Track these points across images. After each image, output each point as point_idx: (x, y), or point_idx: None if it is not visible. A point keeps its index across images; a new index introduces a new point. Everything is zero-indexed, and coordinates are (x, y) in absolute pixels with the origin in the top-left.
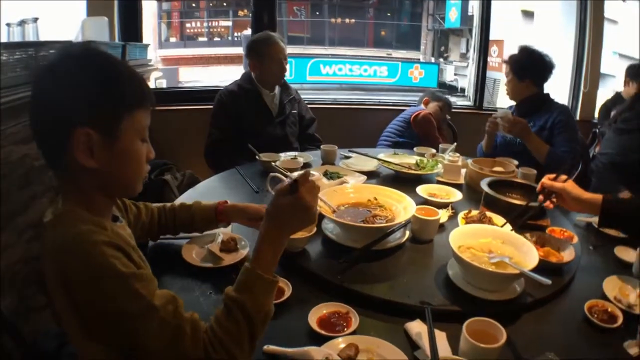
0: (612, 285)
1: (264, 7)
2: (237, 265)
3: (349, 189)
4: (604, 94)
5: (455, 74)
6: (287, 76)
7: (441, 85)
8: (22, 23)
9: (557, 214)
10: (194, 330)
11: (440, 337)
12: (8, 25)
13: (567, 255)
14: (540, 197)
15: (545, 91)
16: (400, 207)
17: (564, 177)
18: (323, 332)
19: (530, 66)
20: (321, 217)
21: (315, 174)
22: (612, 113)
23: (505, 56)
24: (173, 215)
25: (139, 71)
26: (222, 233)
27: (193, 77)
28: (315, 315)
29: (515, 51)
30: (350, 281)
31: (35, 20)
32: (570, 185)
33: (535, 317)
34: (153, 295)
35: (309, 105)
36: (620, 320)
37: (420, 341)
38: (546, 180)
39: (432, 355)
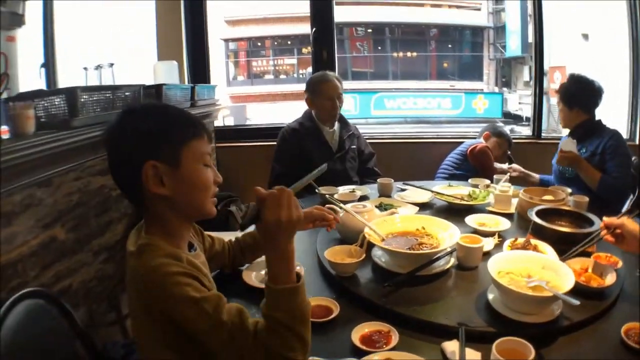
0: None
1: (323, 45)
2: None
3: (397, 219)
4: None
5: (519, 103)
6: (353, 112)
7: (506, 115)
8: (98, 67)
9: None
10: (255, 339)
11: (474, 356)
12: (85, 69)
13: (609, 280)
14: (604, 232)
15: (598, 117)
16: (446, 235)
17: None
18: (364, 347)
19: (578, 94)
20: (371, 245)
21: (368, 205)
22: None
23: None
24: (238, 243)
25: (207, 110)
26: None
27: (260, 114)
28: (358, 333)
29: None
30: (394, 303)
31: (111, 65)
32: (629, 221)
33: (571, 340)
34: (221, 312)
35: (371, 140)
36: None
37: (453, 359)
38: (607, 218)
39: None
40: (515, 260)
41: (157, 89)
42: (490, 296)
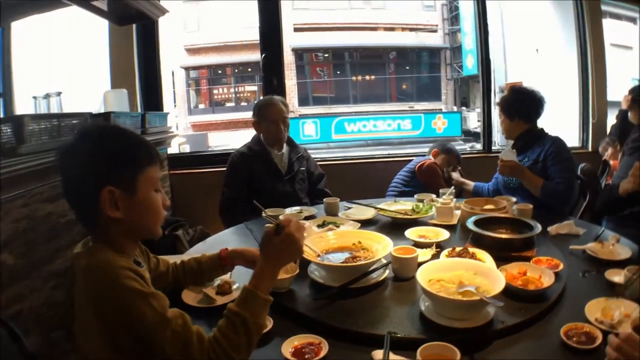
0: (595, 307)
1: (273, 72)
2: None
3: (332, 235)
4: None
5: (478, 120)
6: (314, 136)
7: (466, 133)
8: (47, 96)
9: (550, 244)
10: (200, 341)
11: None
12: (35, 98)
13: (547, 282)
14: None
15: (541, 125)
16: (380, 247)
17: None
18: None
19: (518, 105)
20: (308, 262)
21: (306, 223)
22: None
23: None
24: (182, 266)
25: (158, 138)
26: (220, 279)
27: (222, 142)
28: (289, 346)
29: (506, 93)
30: (327, 316)
31: (59, 94)
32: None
33: (507, 344)
34: (166, 311)
35: (321, 163)
36: (599, 341)
37: None
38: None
39: None
40: (447, 268)
41: (106, 116)
42: (423, 305)
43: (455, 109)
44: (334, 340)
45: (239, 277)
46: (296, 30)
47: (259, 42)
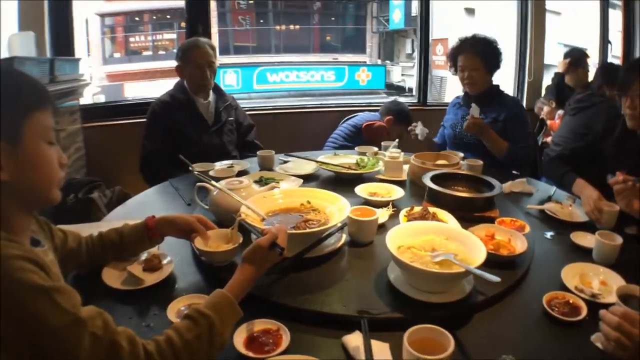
0: (571, 274)
1: (198, 17)
2: (161, 285)
3: (278, 194)
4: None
5: (402, 75)
6: (235, 86)
7: (389, 87)
8: None
9: (507, 203)
10: (132, 344)
11: (382, 349)
12: None
13: (519, 246)
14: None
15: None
16: (335, 208)
17: None
18: (250, 354)
19: (497, 59)
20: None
21: (245, 180)
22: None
23: None
24: (100, 238)
25: (69, 86)
26: (147, 252)
27: (139, 93)
28: (241, 336)
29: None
30: (281, 294)
31: None
32: None
33: (488, 316)
34: (78, 309)
35: (251, 113)
36: (584, 312)
37: (358, 356)
38: None
39: None
40: (416, 232)
41: (8, 62)
42: (392, 276)
43: (379, 62)
44: (293, 323)
45: (170, 247)
46: None
47: None
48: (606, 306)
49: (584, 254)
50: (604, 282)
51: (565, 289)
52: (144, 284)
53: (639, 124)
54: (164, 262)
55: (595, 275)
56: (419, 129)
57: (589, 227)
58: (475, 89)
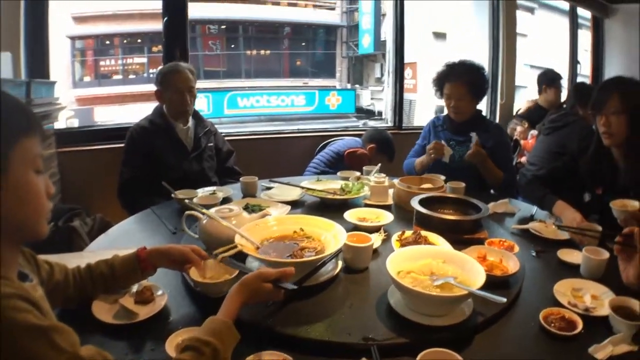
0: (563, 290)
1: (176, 41)
2: (156, 318)
3: (271, 222)
4: (518, 105)
5: (372, 98)
6: (206, 111)
7: (359, 110)
8: None
9: (491, 223)
10: None
11: None
12: None
13: (512, 266)
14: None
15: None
16: (330, 235)
17: None
18: None
19: (484, 86)
20: (244, 255)
21: (235, 208)
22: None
23: (420, 77)
24: (89, 270)
25: (45, 110)
26: (139, 284)
27: (109, 117)
28: None
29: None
30: (283, 324)
31: None
32: None
33: (489, 337)
34: (77, 348)
35: (227, 139)
36: (580, 326)
37: None
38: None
39: None
40: (413, 257)
41: None
42: (392, 300)
43: (349, 86)
44: (298, 354)
45: (158, 278)
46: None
47: (151, 11)
48: (600, 319)
49: (571, 270)
50: (594, 296)
51: (558, 304)
52: (138, 318)
53: (613, 141)
54: (157, 294)
55: (586, 289)
56: (446, 150)
57: (572, 244)
58: (461, 117)
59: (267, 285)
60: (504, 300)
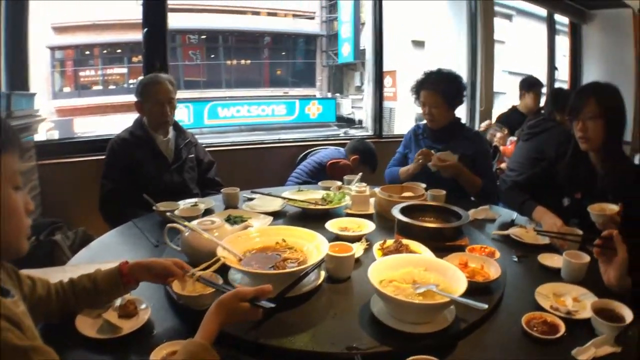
0: (544, 294)
1: (156, 51)
2: (139, 332)
3: (254, 233)
4: (497, 111)
5: (352, 107)
6: (186, 122)
7: (339, 119)
8: None
9: (472, 230)
10: None
11: None
12: None
13: (493, 272)
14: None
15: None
16: (312, 246)
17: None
18: None
19: (459, 94)
20: (227, 268)
21: (217, 220)
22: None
23: (400, 86)
24: (71, 285)
25: (25, 122)
26: (122, 298)
27: (89, 128)
28: None
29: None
30: (267, 336)
31: None
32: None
33: (472, 343)
34: None
35: (208, 149)
36: (562, 329)
37: None
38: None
39: None
40: (395, 266)
41: None
42: (375, 309)
43: (329, 95)
44: None
45: (141, 292)
46: (171, 10)
47: (131, 21)
48: (582, 322)
49: (552, 274)
50: (576, 299)
51: (540, 309)
52: (122, 332)
53: (590, 146)
54: (140, 307)
55: (567, 293)
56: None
57: (553, 248)
58: (436, 124)
59: (244, 304)
60: (486, 306)
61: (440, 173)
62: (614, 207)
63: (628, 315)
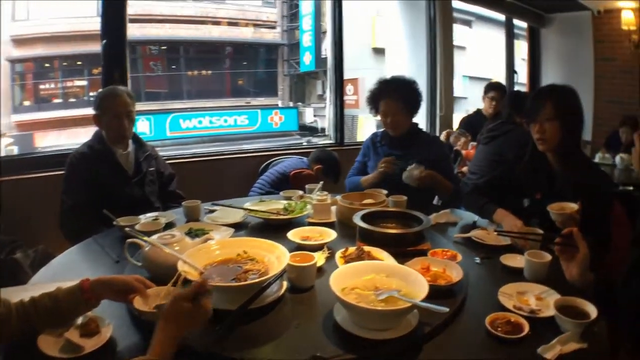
0: (508, 294)
1: (115, 63)
2: (102, 350)
3: (214, 246)
4: (458, 116)
5: (314, 115)
6: (148, 134)
7: (302, 128)
8: None
9: (434, 234)
10: None
11: None
12: None
13: (455, 275)
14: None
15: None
16: (273, 257)
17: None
18: None
19: (417, 101)
20: (188, 282)
21: (177, 233)
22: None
23: (362, 93)
24: (33, 304)
25: None
26: (84, 316)
27: (50, 142)
28: None
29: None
30: (231, 348)
31: None
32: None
33: (437, 345)
34: None
35: (170, 162)
36: (526, 328)
37: None
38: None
39: None
40: (357, 273)
41: None
42: (338, 317)
43: (291, 104)
44: None
45: (103, 309)
46: (131, 21)
47: (90, 33)
48: (546, 320)
49: (515, 274)
50: (539, 298)
51: (504, 309)
52: (84, 351)
53: (547, 147)
54: (102, 325)
55: (530, 292)
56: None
57: (514, 249)
58: (399, 131)
59: (187, 305)
60: (446, 309)
61: (417, 185)
62: (573, 206)
63: (592, 311)
